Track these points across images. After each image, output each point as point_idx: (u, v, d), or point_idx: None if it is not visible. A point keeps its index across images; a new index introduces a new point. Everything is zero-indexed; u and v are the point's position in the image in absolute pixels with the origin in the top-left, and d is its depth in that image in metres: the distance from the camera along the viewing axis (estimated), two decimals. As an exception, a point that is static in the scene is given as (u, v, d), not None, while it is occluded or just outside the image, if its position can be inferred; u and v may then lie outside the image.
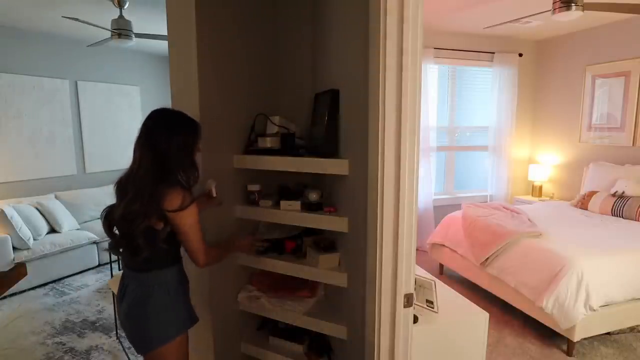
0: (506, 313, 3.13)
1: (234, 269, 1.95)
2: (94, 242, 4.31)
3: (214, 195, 1.66)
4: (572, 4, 2.75)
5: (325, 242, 1.85)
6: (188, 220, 1.39)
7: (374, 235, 1.29)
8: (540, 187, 4.92)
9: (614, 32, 4.14)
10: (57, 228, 4.16)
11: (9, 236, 3.63)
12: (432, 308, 1.82)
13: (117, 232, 1.45)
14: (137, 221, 1.35)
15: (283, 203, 1.80)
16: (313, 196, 1.76)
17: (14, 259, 3.61)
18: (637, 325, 2.85)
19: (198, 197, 1.56)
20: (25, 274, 1.69)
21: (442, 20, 4.09)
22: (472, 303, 2.00)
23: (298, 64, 2.12)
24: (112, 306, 3.24)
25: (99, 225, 3.63)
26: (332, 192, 1.83)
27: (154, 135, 1.40)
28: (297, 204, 1.79)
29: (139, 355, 1.54)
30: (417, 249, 1.75)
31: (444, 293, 2.04)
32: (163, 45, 3.58)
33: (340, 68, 1.70)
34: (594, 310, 2.52)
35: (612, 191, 3.79)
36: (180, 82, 1.64)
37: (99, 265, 4.38)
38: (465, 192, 5.08)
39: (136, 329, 1.47)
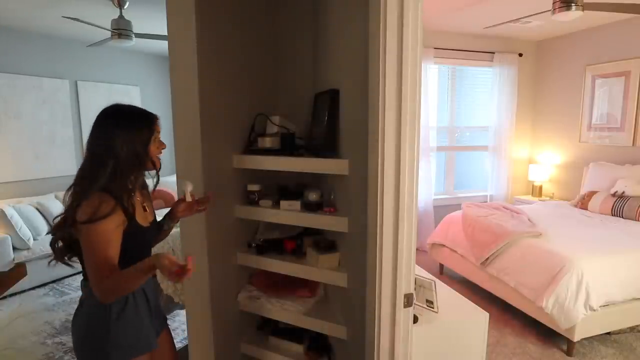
0: (506, 313, 3.13)
1: (234, 269, 1.95)
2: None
3: (189, 199, 1.48)
4: (572, 4, 2.75)
5: (325, 242, 1.84)
6: (93, 236, 1.17)
7: (374, 235, 1.29)
8: (540, 187, 4.91)
9: (614, 32, 4.14)
10: (57, 228, 4.16)
11: (9, 236, 3.63)
12: (432, 308, 1.82)
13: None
14: (64, 226, 1.25)
15: (283, 203, 1.80)
16: (313, 196, 1.76)
17: (14, 259, 3.61)
18: (637, 325, 2.85)
19: (154, 204, 1.37)
20: (25, 274, 1.69)
21: (442, 20, 4.09)
22: (472, 303, 2.00)
23: (298, 64, 2.12)
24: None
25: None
26: (332, 192, 1.83)
27: (90, 135, 1.28)
28: (297, 204, 1.79)
29: None
30: (417, 249, 1.75)
31: (444, 293, 2.04)
32: (163, 45, 3.57)
33: (340, 68, 1.70)
34: (594, 310, 2.52)
35: (612, 191, 3.79)
36: (180, 82, 1.64)
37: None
38: (465, 192, 5.08)
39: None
